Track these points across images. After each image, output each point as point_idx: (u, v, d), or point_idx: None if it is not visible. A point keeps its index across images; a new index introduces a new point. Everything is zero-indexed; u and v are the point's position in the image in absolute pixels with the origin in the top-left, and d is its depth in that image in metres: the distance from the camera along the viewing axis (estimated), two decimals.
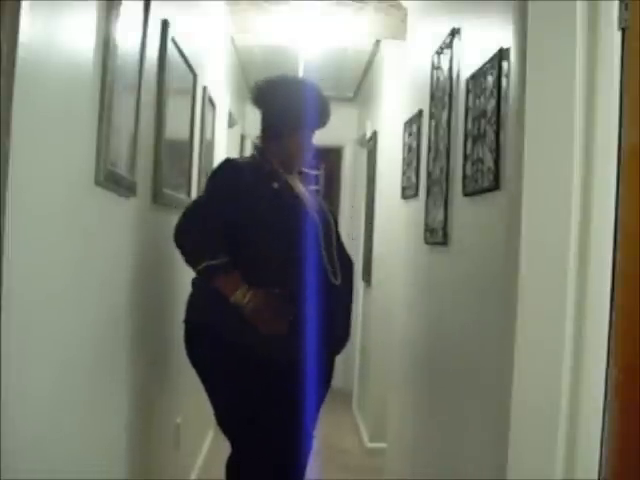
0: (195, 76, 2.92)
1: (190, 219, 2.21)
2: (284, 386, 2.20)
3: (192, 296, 2.31)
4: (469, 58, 2.14)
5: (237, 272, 2.14)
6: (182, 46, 2.53)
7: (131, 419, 2.11)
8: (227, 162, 2.38)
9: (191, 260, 2.19)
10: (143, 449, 2.32)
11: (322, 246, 2.28)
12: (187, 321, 2.29)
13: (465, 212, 2.14)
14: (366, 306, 4.88)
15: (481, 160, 1.91)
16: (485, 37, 2.00)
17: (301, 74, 4.75)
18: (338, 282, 2.30)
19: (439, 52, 2.48)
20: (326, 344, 2.26)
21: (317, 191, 2.62)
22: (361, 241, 5.15)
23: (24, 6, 1.10)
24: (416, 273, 2.94)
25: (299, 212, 2.26)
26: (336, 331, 2.34)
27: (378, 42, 4.49)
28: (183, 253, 2.20)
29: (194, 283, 2.31)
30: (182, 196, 2.83)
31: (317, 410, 2.40)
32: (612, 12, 1.55)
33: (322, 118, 2.40)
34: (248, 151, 6.05)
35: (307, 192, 2.40)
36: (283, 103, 2.36)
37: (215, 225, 2.17)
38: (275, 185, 2.25)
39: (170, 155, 2.47)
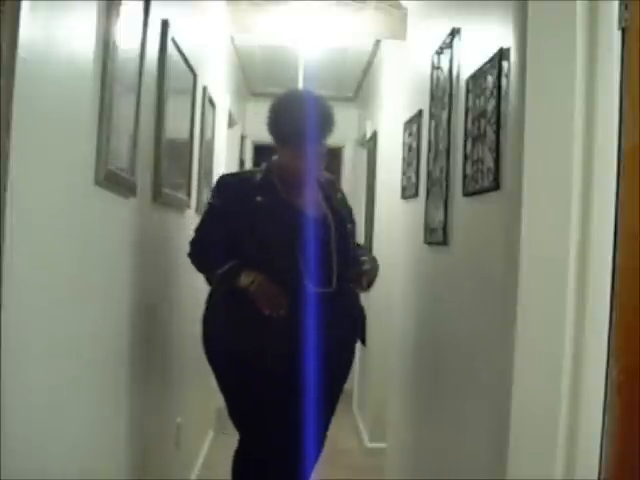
0: (195, 76, 2.92)
1: (194, 245, 2.45)
2: (283, 389, 2.33)
3: (210, 296, 2.47)
4: (469, 58, 2.14)
5: (241, 267, 2.32)
6: (182, 46, 2.53)
7: (131, 419, 2.11)
8: (220, 179, 2.53)
9: (206, 278, 2.48)
10: (143, 449, 2.32)
11: (299, 253, 2.33)
12: (205, 320, 2.46)
13: (465, 212, 2.14)
14: (366, 306, 4.87)
15: (481, 160, 1.91)
16: (485, 37, 2.00)
17: (301, 74, 4.75)
18: (321, 289, 2.35)
19: (439, 52, 2.48)
20: (308, 348, 2.32)
21: (331, 182, 2.62)
22: (361, 241, 5.15)
23: (24, 6, 1.10)
24: (416, 273, 2.95)
25: (280, 222, 2.35)
26: (327, 335, 2.36)
27: (378, 42, 4.49)
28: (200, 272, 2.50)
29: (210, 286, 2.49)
30: (182, 196, 2.84)
31: (326, 413, 2.47)
32: (612, 12, 1.55)
33: (320, 131, 2.41)
34: (248, 151, 6.06)
35: (312, 200, 2.45)
36: (276, 118, 2.43)
37: (215, 240, 2.39)
38: (259, 198, 2.37)
39: (170, 155, 2.47)
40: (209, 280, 2.47)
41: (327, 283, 2.38)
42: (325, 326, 2.33)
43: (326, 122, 2.42)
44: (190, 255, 2.45)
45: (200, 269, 2.47)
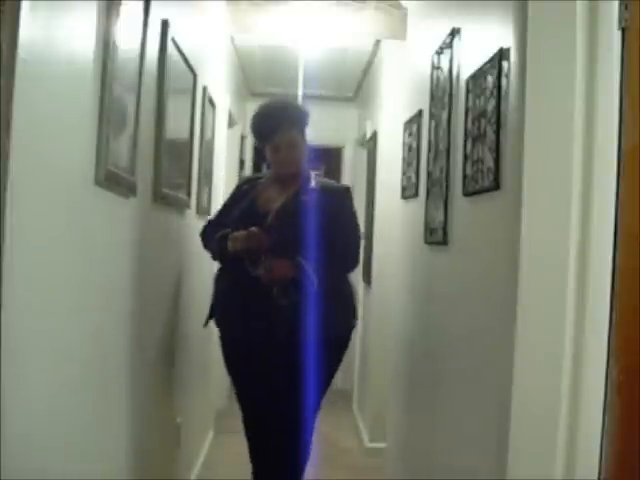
0: (195, 76, 2.92)
1: (205, 225, 3.03)
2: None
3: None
4: (469, 58, 2.14)
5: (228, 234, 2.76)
6: (182, 46, 2.53)
7: (131, 419, 2.11)
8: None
9: (206, 248, 2.97)
10: (143, 449, 2.32)
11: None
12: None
13: (465, 212, 2.14)
14: (366, 306, 4.88)
15: (481, 160, 1.91)
16: (485, 37, 2.00)
17: (301, 74, 4.75)
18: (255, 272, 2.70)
19: (439, 52, 2.48)
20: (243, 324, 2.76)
21: (319, 190, 2.85)
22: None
23: (24, 6, 1.10)
24: (416, 273, 2.95)
25: (246, 211, 2.83)
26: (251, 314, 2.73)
27: (378, 42, 4.48)
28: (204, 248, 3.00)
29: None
30: (182, 196, 2.83)
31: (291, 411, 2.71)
32: (612, 12, 1.55)
33: (287, 121, 2.78)
34: (248, 151, 6.06)
35: (276, 197, 2.82)
36: (252, 123, 2.89)
37: (215, 223, 2.95)
38: (244, 187, 2.93)
39: (170, 155, 2.47)
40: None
41: (254, 268, 2.73)
42: (252, 303, 2.72)
43: (293, 114, 2.82)
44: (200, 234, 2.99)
45: (204, 246, 2.95)
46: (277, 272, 2.68)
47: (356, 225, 2.90)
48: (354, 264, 2.89)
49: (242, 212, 2.84)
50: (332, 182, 3.13)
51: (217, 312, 2.89)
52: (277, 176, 2.88)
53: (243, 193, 2.91)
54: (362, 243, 2.93)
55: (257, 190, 2.88)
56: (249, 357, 2.79)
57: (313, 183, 2.86)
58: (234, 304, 2.80)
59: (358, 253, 2.88)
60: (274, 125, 2.78)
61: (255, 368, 2.78)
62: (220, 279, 2.92)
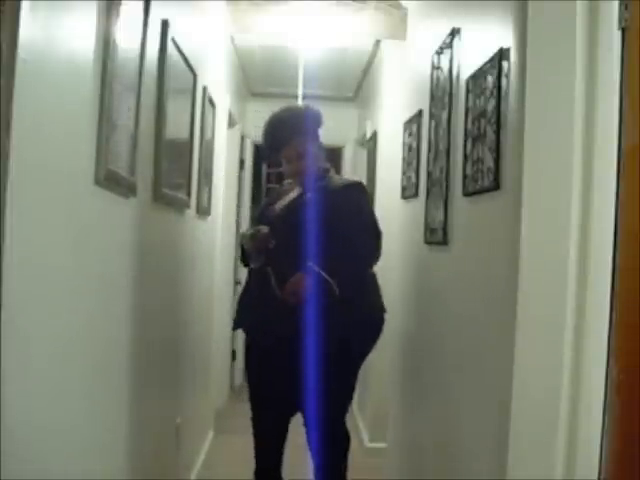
0: (195, 76, 2.92)
1: None
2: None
3: None
4: (469, 58, 2.14)
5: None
6: (182, 46, 2.53)
7: (131, 419, 2.11)
8: None
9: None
10: (143, 449, 2.32)
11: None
12: None
13: (465, 212, 2.14)
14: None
15: (481, 160, 1.91)
16: (485, 37, 2.00)
17: (301, 74, 4.75)
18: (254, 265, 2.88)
19: (439, 52, 2.48)
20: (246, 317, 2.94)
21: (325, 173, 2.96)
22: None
23: (24, 6, 1.10)
24: (416, 273, 2.94)
25: (261, 213, 3.09)
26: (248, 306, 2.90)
27: (378, 42, 4.48)
28: None
29: None
30: (182, 196, 2.83)
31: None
32: (612, 12, 1.54)
33: (284, 136, 2.87)
34: (248, 151, 6.05)
35: (290, 196, 2.93)
36: (262, 139, 3.03)
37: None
38: (275, 189, 3.32)
39: (170, 155, 2.47)
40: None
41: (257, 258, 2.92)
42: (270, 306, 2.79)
43: (297, 124, 2.87)
44: None
45: None
46: (294, 288, 2.67)
47: (370, 218, 2.82)
48: (372, 259, 2.82)
49: (259, 214, 3.08)
50: (344, 178, 3.15)
51: (240, 316, 3.00)
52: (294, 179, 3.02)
53: (272, 195, 3.19)
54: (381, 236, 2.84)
55: (280, 191, 3.09)
56: (265, 356, 2.86)
57: (323, 181, 2.86)
58: (253, 308, 2.86)
59: (373, 247, 2.80)
60: (279, 139, 2.89)
61: (274, 368, 2.84)
62: (246, 283, 3.01)
